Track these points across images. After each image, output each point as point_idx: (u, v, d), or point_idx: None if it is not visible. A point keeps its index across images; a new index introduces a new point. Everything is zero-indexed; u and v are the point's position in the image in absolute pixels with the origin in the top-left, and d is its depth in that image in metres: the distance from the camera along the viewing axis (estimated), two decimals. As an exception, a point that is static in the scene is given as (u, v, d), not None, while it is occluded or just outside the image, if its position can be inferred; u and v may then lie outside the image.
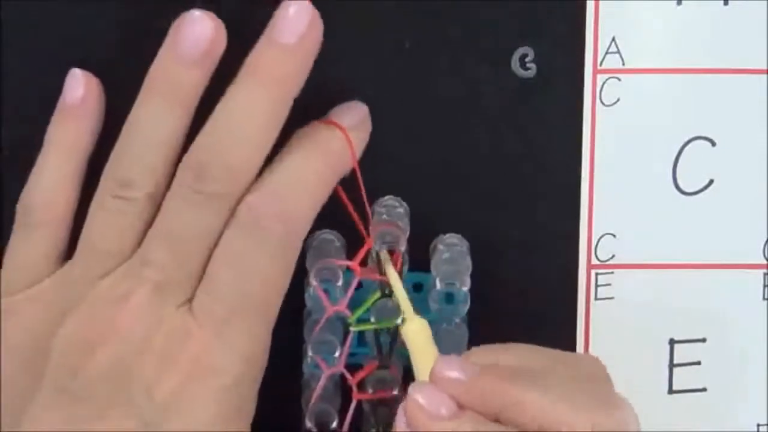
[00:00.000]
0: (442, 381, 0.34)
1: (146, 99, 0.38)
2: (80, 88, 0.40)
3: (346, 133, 0.39)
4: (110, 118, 0.41)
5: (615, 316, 0.43)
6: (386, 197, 0.41)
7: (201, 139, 0.37)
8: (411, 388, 0.35)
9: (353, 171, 0.39)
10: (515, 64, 0.42)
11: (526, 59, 0.42)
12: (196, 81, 0.38)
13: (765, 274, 0.43)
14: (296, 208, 0.37)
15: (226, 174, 0.37)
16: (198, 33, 0.37)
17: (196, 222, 0.36)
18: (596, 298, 0.43)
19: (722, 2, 0.42)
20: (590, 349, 0.43)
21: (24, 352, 0.37)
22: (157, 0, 0.41)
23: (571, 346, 0.43)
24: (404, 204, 0.41)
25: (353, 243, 0.40)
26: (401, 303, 0.38)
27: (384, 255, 0.39)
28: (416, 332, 0.37)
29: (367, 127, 0.40)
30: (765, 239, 0.43)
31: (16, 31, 0.41)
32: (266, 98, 0.37)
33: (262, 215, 0.36)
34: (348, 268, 0.39)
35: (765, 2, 0.42)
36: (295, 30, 0.37)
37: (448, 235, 0.42)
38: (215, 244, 0.37)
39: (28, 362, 0.37)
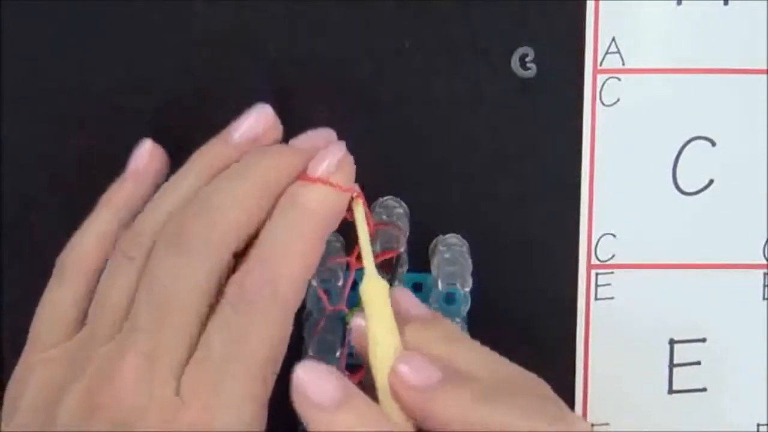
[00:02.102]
0: (401, 381, 0.35)
1: (183, 170, 0.39)
2: (146, 158, 0.40)
3: (328, 182, 0.37)
4: (107, 116, 0.41)
5: (615, 316, 0.43)
6: (386, 198, 0.41)
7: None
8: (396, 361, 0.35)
9: (352, 200, 0.38)
10: (515, 64, 0.42)
11: (526, 59, 0.42)
12: (236, 159, 0.38)
13: (765, 274, 0.43)
14: (285, 273, 0.36)
15: (203, 223, 0.36)
16: (250, 124, 0.39)
17: (175, 279, 0.35)
18: (596, 298, 0.43)
19: (722, 2, 0.42)
20: (590, 349, 0.43)
21: (36, 415, 0.36)
22: None
23: (571, 346, 0.43)
24: (404, 204, 0.41)
25: (353, 243, 0.40)
26: (363, 257, 0.37)
27: (357, 201, 0.37)
28: (372, 292, 0.36)
29: (348, 167, 0.38)
30: (765, 239, 0.43)
31: (16, 31, 0.41)
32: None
33: (249, 288, 0.35)
34: (347, 266, 0.39)
35: (765, 2, 0.42)
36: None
37: (448, 235, 0.42)
38: (206, 310, 0.36)
39: (40, 426, 0.36)
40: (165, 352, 0.35)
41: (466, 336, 0.38)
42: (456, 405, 0.34)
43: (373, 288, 0.36)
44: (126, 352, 0.35)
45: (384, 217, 0.40)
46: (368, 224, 0.37)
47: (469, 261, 0.41)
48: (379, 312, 0.36)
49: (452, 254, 0.40)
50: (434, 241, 0.42)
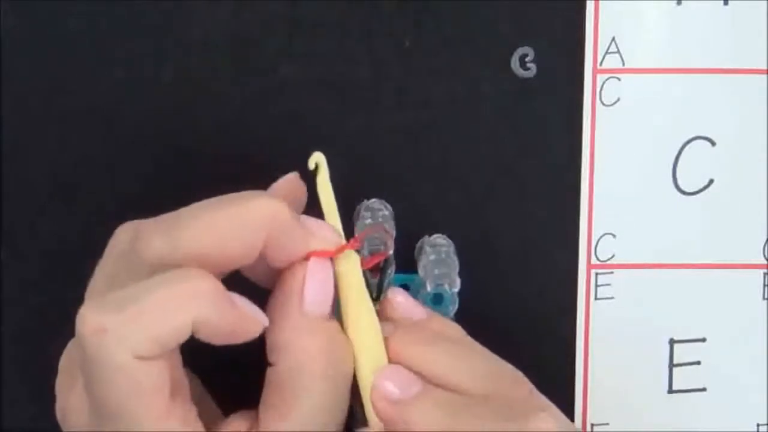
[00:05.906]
0: (380, 393, 0.35)
1: None
2: None
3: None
4: (107, 116, 0.41)
5: (615, 316, 0.43)
6: (372, 200, 0.41)
7: None
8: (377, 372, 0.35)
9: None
10: (515, 64, 0.42)
11: (526, 59, 0.42)
12: None
13: (765, 274, 0.43)
14: None
15: None
16: None
17: None
18: (596, 298, 0.43)
19: (722, 2, 0.42)
20: (590, 349, 0.43)
21: None
22: None
23: (571, 346, 0.43)
24: (389, 206, 0.41)
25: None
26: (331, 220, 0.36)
27: (320, 165, 0.36)
28: (346, 267, 0.36)
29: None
30: (765, 239, 0.43)
31: (16, 30, 0.41)
32: None
33: None
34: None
35: (765, 2, 0.42)
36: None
37: (434, 235, 0.41)
38: None
39: None
40: None
41: (460, 334, 0.38)
42: (429, 420, 0.34)
43: (347, 263, 0.36)
44: None
45: (369, 220, 0.40)
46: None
47: (456, 261, 0.40)
48: (353, 288, 0.36)
49: (439, 255, 0.40)
50: (420, 241, 0.41)
